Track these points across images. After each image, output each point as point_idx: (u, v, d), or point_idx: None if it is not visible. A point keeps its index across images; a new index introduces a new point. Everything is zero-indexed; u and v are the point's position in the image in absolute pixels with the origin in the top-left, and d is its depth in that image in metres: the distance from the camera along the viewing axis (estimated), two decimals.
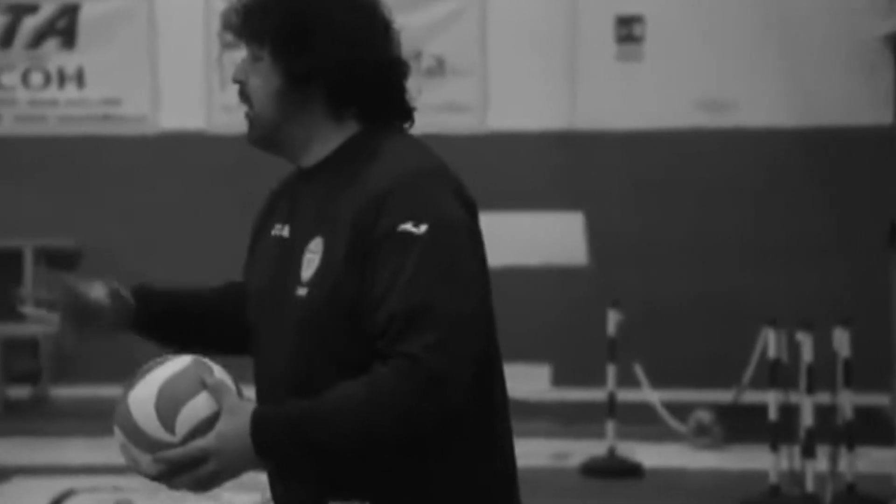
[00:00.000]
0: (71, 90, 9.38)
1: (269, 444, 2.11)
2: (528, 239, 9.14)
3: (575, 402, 8.92)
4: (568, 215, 9.12)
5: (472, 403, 2.19)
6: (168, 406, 2.15)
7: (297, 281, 2.21)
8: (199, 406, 2.15)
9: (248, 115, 2.30)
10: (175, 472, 2.13)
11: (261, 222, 2.37)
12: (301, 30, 2.25)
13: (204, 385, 2.17)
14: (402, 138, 2.31)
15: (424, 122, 9.33)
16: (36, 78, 9.37)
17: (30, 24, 9.35)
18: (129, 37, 9.31)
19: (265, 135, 2.29)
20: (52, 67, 9.38)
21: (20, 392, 9.26)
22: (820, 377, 6.57)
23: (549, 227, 9.17)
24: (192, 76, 9.05)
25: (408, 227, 2.13)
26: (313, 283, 2.19)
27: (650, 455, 7.54)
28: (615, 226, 9.15)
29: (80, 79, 9.37)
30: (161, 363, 2.22)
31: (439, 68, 9.30)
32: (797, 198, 9.13)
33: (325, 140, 2.28)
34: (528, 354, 9.13)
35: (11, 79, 9.30)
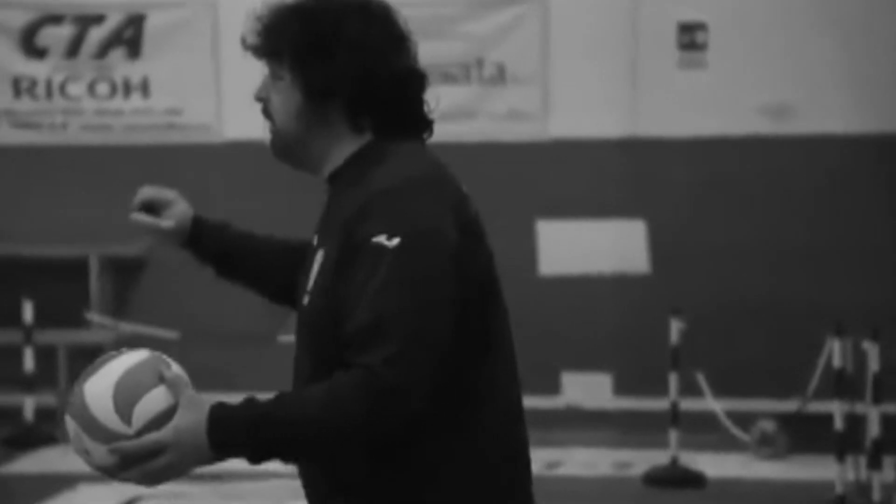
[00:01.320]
0: (136, 99, 9.47)
1: (225, 442, 2.13)
2: (589, 247, 9.11)
3: (637, 410, 8.87)
4: (629, 223, 9.08)
5: (441, 410, 2.21)
6: (125, 398, 2.16)
7: (305, 289, 2.29)
8: (156, 399, 2.16)
9: (272, 133, 2.36)
10: (128, 464, 2.14)
11: None
12: (318, 46, 2.28)
13: (162, 378, 2.18)
14: (408, 149, 2.32)
15: (486, 130, 9.47)
16: (102, 87, 9.47)
17: (96, 34, 9.46)
18: (193, 46, 9.38)
19: (288, 150, 2.34)
20: (118, 77, 9.47)
21: None
22: (887, 386, 6.49)
23: (610, 234, 9.13)
24: (255, 85, 9.08)
25: (381, 239, 2.17)
26: (312, 292, 2.26)
27: (713, 465, 7.49)
28: (677, 233, 9.10)
29: (145, 88, 9.46)
30: (118, 355, 2.25)
31: (500, 76, 9.30)
32: (862, 204, 9.03)
33: (343, 152, 2.32)
34: (590, 363, 9.10)
35: (78, 88, 9.40)
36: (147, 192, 2.70)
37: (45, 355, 8.31)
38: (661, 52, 9.17)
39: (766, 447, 7.89)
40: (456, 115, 9.30)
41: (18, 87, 9.49)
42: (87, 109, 9.43)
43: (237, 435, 2.12)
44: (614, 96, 9.19)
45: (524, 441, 2.39)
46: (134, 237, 9.25)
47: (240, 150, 9.17)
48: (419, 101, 2.39)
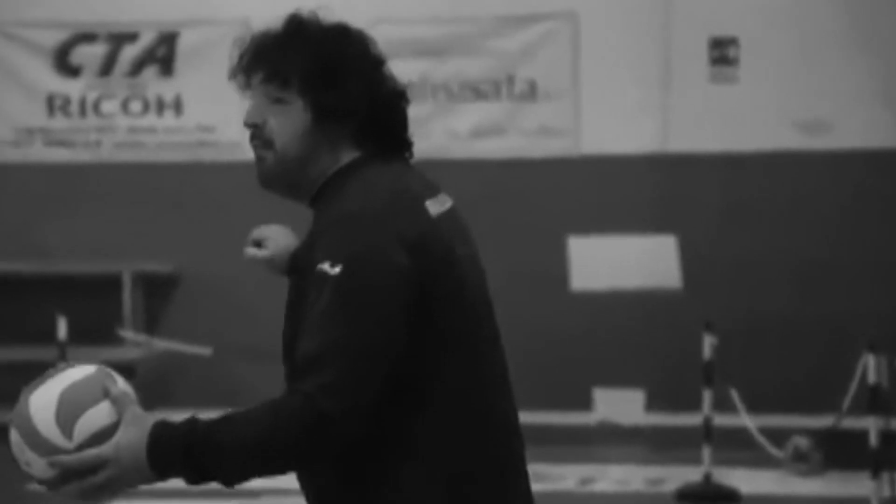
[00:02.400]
0: (169, 117, 9.52)
1: (162, 461, 2.15)
2: (620, 262, 9.09)
3: (669, 427, 8.84)
4: (661, 238, 9.06)
5: (388, 429, 2.23)
6: (68, 411, 2.16)
7: (284, 318, 2.33)
8: (99, 414, 2.17)
9: (263, 158, 2.35)
10: (67, 478, 2.14)
11: None
12: (332, 67, 2.31)
13: (107, 394, 2.18)
14: (373, 174, 2.33)
15: (516, 146, 9.40)
16: (135, 105, 9.52)
17: (129, 52, 9.52)
18: (226, 64, 9.41)
19: (285, 174, 2.35)
20: (151, 95, 9.53)
21: None
22: None
23: (642, 250, 9.11)
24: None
25: (325, 266, 2.19)
26: (286, 319, 2.32)
27: (747, 481, 7.45)
28: (709, 249, 9.07)
29: (177, 106, 9.51)
30: (65, 369, 2.24)
31: (531, 92, 9.30)
32: (894, 219, 8.98)
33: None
34: (622, 379, 9.07)
35: (111, 106, 9.46)
36: (259, 231, 2.84)
37: None
38: (693, 67, 9.15)
39: (801, 463, 7.85)
40: (487, 132, 9.32)
41: (52, 105, 9.56)
42: (121, 127, 9.48)
43: (174, 455, 2.15)
44: (645, 112, 9.18)
45: (498, 455, 2.34)
46: (166, 253, 9.30)
47: None
48: (406, 121, 2.40)
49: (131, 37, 9.53)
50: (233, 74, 2.39)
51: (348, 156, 2.34)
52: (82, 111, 9.53)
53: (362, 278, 2.19)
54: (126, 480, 2.16)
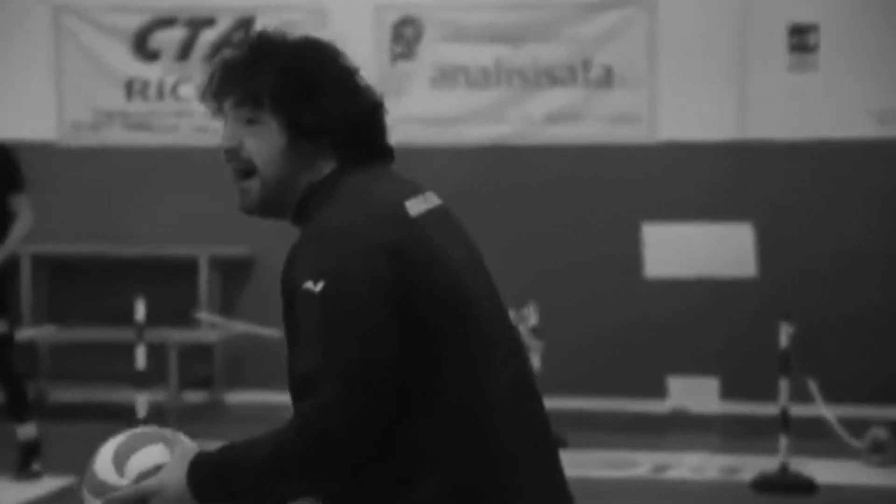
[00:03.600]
0: None
1: (201, 488, 2.19)
2: (696, 250, 9.03)
3: (744, 415, 8.78)
4: (737, 226, 8.99)
5: (394, 440, 2.19)
6: (123, 451, 2.25)
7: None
8: (152, 453, 2.25)
9: (247, 190, 2.34)
10: None
11: None
12: (302, 87, 2.29)
13: (163, 438, 2.27)
14: (349, 185, 2.30)
15: (592, 133, 9.36)
16: None
17: (207, 37, 9.59)
18: None
19: (271, 198, 2.33)
20: None
21: (196, 397, 9.49)
22: None
23: (717, 238, 9.04)
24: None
25: (309, 285, 2.18)
26: (286, 341, 2.29)
27: (823, 471, 7.38)
28: (785, 237, 8.99)
29: None
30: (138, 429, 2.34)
31: (607, 78, 9.26)
32: None
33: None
34: (697, 367, 9.02)
35: (189, 90, 9.55)
36: None
37: (157, 353, 8.44)
38: (771, 53, 9.06)
39: (878, 454, 7.76)
40: (562, 118, 9.29)
41: (131, 89, 9.67)
42: (198, 111, 9.50)
43: (208, 481, 2.19)
44: (722, 99, 9.10)
45: (500, 471, 2.23)
46: (242, 237, 9.37)
47: None
48: (384, 129, 2.37)
49: (209, 21, 9.60)
50: (202, 98, 2.37)
51: (327, 167, 2.31)
52: (160, 95, 9.63)
53: (345, 293, 2.16)
54: None
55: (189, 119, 9.53)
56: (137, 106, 9.65)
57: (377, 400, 2.15)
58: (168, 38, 9.60)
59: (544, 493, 2.29)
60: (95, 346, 9.38)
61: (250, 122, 2.30)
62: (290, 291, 2.22)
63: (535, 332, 8.04)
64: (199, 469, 2.20)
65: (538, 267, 9.08)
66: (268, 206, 2.35)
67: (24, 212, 6.94)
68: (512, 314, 8.77)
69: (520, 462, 2.26)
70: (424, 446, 2.19)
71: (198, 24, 9.62)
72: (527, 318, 8.04)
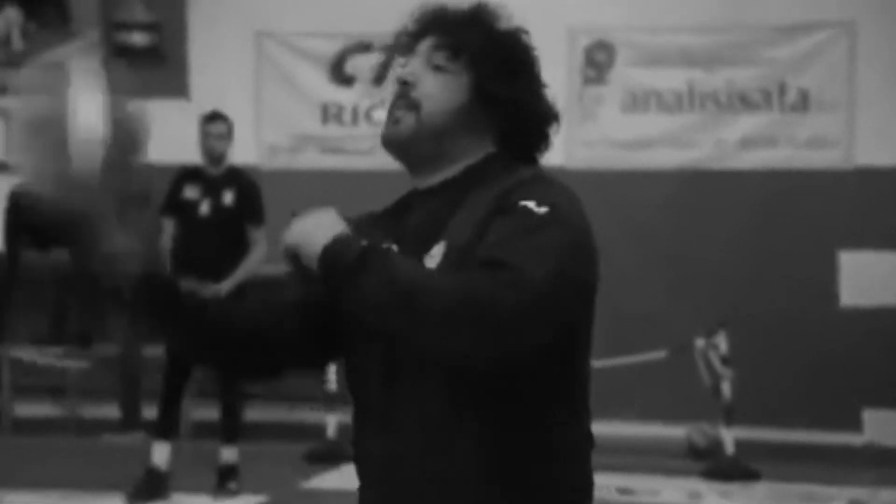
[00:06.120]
0: None
1: (340, 266, 2.08)
2: (894, 279, 8.80)
3: None
4: None
5: (559, 378, 2.15)
6: None
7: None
8: None
9: (399, 120, 2.31)
10: None
11: None
12: (510, 59, 2.27)
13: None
14: (542, 172, 2.26)
15: (787, 157, 9.18)
16: None
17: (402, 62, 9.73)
18: None
19: (419, 140, 2.29)
20: None
21: None
22: None
23: None
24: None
25: (530, 204, 2.10)
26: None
27: None
28: None
29: None
30: None
31: (803, 102, 9.09)
32: None
33: (465, 161, 2.29)
34: (894, 400, 8.77)
35: (383, 115, 9.70)
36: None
37: None
38: None
39: None
40: (756, 142, 9.15)
41: (327, 113, 9.87)
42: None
43: (353, 247, 2.09)
44: None
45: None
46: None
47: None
48: (548, 144, 2.33)
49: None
50: (399, 38, 2.36)
51: (484, 146, 2.28)
52: (355, 119, 9.80)
53: (570, 225, 2.11)
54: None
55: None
56: (332, 130, 9.85)
57: (569, 308, 2.09)
58: (364, 64, 9.77)
59: None
60: None
61: (439, 68, 2.30)
62: (500, 211, 2.12)
63: (726, 360, 7.92)
64: (345, 239, 2.13)
65: (730, 294, 8.95)
66: (409, 146, 2.32)
67: (260, 245, 7.06)
68: (702, 342, 8.66)
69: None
70: (576, 394, 2.20)
71: (394, 49, 9.76)
72: (717, 346, 7.93)
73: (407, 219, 2.33)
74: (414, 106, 2.31)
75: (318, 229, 2.18)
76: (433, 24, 2.34)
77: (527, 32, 2.33)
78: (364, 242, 2.12)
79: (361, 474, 2.26)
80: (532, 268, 2.02)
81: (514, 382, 2.13)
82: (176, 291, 2.26)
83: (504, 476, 2.13)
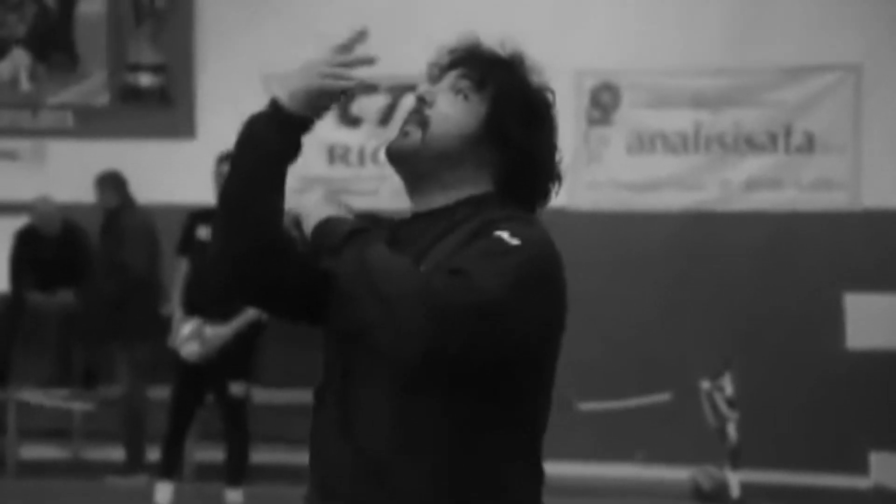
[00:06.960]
0: None
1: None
2: None
3: None
4: None
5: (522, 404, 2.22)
6: None
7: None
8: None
9: (408, 134, 2.35)
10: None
11: None
12: (530, 105, 2.32)
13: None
14: (531, 216, 2.31)
15: (792, 200, 9.19)
16: None
17: (409, 103, 9.75)
18: None
19: (421, 157, 2.33)
20: None
21: None
22: None
23: None
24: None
25: (504, 235, 2.16)
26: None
27: None
28: None
29: None
30: None
31: (809, 144, 9.11)
32: None
33: (461, 192, 2.32)
34: None
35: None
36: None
37: None
38: None
39: None
40: (762, 184, 9.16)
41: (333, 154, 9.89)
42: (395, 176, 9.71)
43: (340, 228, 2.32)
44: None
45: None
46: None
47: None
48: (547, 198, 2.39)
49: (411, 88, 9.76)
50: (431, 68, 2.38)
51: (484, 185, 2.32)
52: (361, 160, 9.83)
53: (541, 262, 2.18)
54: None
55: (388, 183, 9.69)
56: (339, 171, 9.87)
57: (519, 328, 2.14)
58: (371, 105, 9.80)
59: None
60: (295, 407, 9.54)
61: (460, 92, 2.33)
62: (477, 237, 2.20)
63: (732, 402, 7.89)
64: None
65: (736, 336, 8.93)
66: (409, 160, 2.35)
67: None
68: (707, 384, 8.63)
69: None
70: (531, 430, 2.26)
71: (400, 91, 9.80)
72: (723, 388, 7.91)
73: (398, 236, 2.37)
74: (424, 123, 2.34)
75: (322, 206, 2.41)
76: (465, 58, 2.37)
77: (553, 92, 2.36)
78: (356, 227, 2.27)
79: (314, 473, 2.33)
80: (489, 278, 2.09)
81: (467, 405, 2.18)
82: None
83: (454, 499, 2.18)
